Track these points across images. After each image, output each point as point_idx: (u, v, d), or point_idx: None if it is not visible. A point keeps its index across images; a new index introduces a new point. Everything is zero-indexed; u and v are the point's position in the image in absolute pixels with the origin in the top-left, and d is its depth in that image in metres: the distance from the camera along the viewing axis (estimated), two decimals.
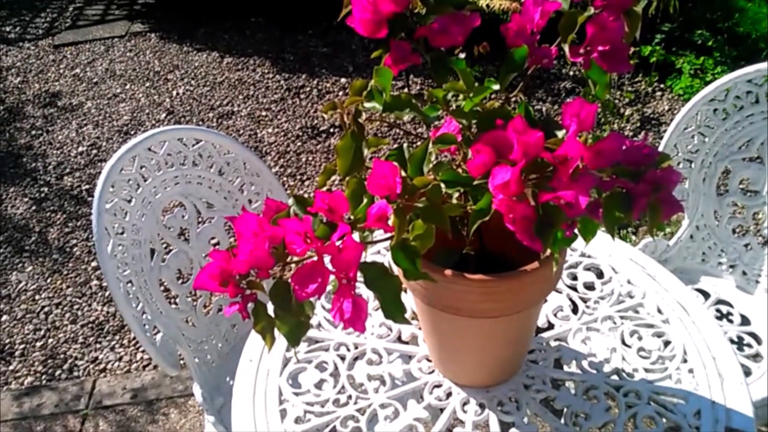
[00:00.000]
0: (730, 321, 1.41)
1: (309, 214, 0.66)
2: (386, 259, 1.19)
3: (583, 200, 0.60)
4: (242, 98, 3.14)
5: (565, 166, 0.61)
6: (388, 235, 0.68)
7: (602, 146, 0.62)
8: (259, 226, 0.61)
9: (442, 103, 0.77)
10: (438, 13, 0.71)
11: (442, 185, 0.70)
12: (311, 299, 0.62)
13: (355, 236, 0.71)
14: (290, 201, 0.68)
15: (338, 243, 0.61)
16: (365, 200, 0.71)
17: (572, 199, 0.60)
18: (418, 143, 0.76)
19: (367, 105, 0.77)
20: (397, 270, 0.72)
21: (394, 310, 0.65)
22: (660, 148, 1.44)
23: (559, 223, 0.63)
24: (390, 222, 0.65)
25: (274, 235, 0.60)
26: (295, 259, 0.62)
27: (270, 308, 0.63)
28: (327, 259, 0.62)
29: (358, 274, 0.63)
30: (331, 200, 0.64)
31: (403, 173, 0.71)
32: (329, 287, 0.63)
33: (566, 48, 0.69)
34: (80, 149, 2.94)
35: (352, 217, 0.67)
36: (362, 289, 0.73)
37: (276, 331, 0.64)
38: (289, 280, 0.60)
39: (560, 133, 0.67)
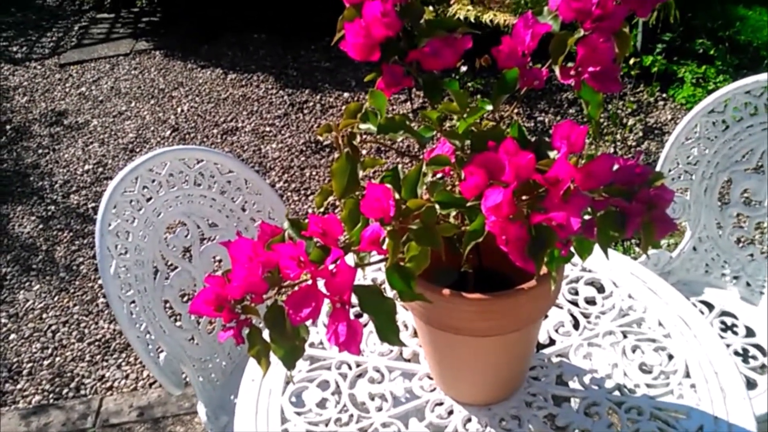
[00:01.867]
0: (735, 333, 1.40)
1: (303, 238, 0.66)
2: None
3: (574, 222, 0.61)
4: (246, 114, 3.17)
5: (556, 187, 0.61)
6: (383, 257, 0.69)
7: (593, 167, 0.62)
8: (254, 251, 0.61)
9: (436, 124, 0.78)
10: (430, 36, 0.72)
11: (437, 206, 0.70)
12: (306, 322, 0.63)
13: (351, 259, 0.71)
14: (285, 224, 0.69)
15: (332, 267, 0.62)
16: (360, 221, 0.72)
17: (564, 220, 0.60)
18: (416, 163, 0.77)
19: (361, 127, 0.78)
20: (392, 291, 0.73)
21: (388, 332, 0.65)
22: (660, 160, 1.44)
23: (552, 244, 0.64)
24: (384, 245, 0.66)
25: (268, 260, 0.61)
26: (290, 283, 0.63)
27: (265, 332, 0.64)
28: (321, 282, 0.62)
29: (353, 296, 0.64)
30: (325, 224, 0.65)
31: (398, 195, 0.72)
32: (325, 309, 0.64)
33: (557, 70, 0.70)
34: (86, 167, 2.97)
35: (346, 241, 0.67)
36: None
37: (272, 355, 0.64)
38: (284, 305, 0.61)
39: (552, 154, 0.68)
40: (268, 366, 0.63)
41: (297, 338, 0.62)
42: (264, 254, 0.61)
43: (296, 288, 0.62)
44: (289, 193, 2.66)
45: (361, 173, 0.78)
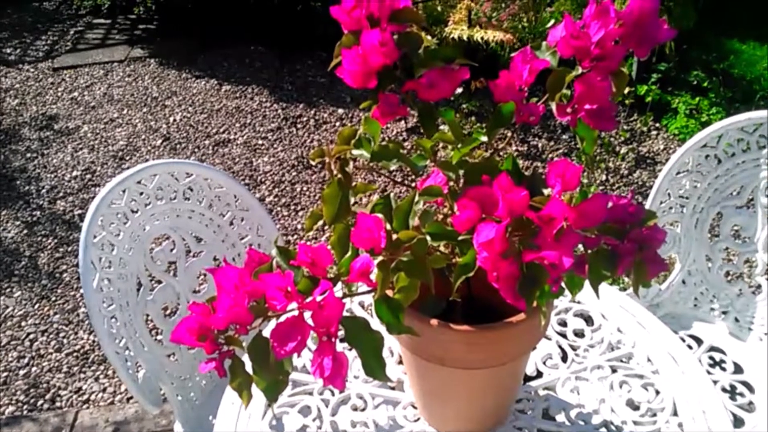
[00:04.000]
0: (723, 369, 1.39)
1: (291, 268, 0.65)
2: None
3: (566, 261, 0.60)
4: (239, 126, 3.15)
5: (550, 225, 0.60)
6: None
7: (586, 207, 0.62)
8: (240, 280, 0.60)
9: (430, 154, 0.77)
10: (427, 66, 0.71)
11: (428, 238, 0.69)
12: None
13: (339, 289, 0.70)
14: (273, 252, 0.67)
15: (319, 299, 0.60)
16: (350, 250, 0.70)
17: (556, 259, 0.60)
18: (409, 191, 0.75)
19: (355, 153, 0.77)
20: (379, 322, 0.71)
21: (374, 367, 0.64)
22: (652, 193, 1.44)
23: (543, 282, 0.63)
24: (373, 277, 0.65)
25: (255, 290, 0.59)
26: (275, 313, 0.61)
27: (248, 364, 0.62)
28: (307, 314, 0.61)
29: (339, 329, 0.62)
30: (314, 253, 0.63)
31: (389, 226, 0.71)
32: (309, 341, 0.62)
33: (554, 106, 0.69)
34: (74, 173, 2.94)
35: (335, 272, 0.66)
36: None
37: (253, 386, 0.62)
38: (269, 336, 0.59)
39: (546, 191, 0.67)
40: (250, 399, 0.61)
41: (281, 372, 0.60)
42: (251, 283, 0.59)
43: (282, 319, 0.60)
44: (279, 208, 2.64)
45: (352, 199, 0.77)
